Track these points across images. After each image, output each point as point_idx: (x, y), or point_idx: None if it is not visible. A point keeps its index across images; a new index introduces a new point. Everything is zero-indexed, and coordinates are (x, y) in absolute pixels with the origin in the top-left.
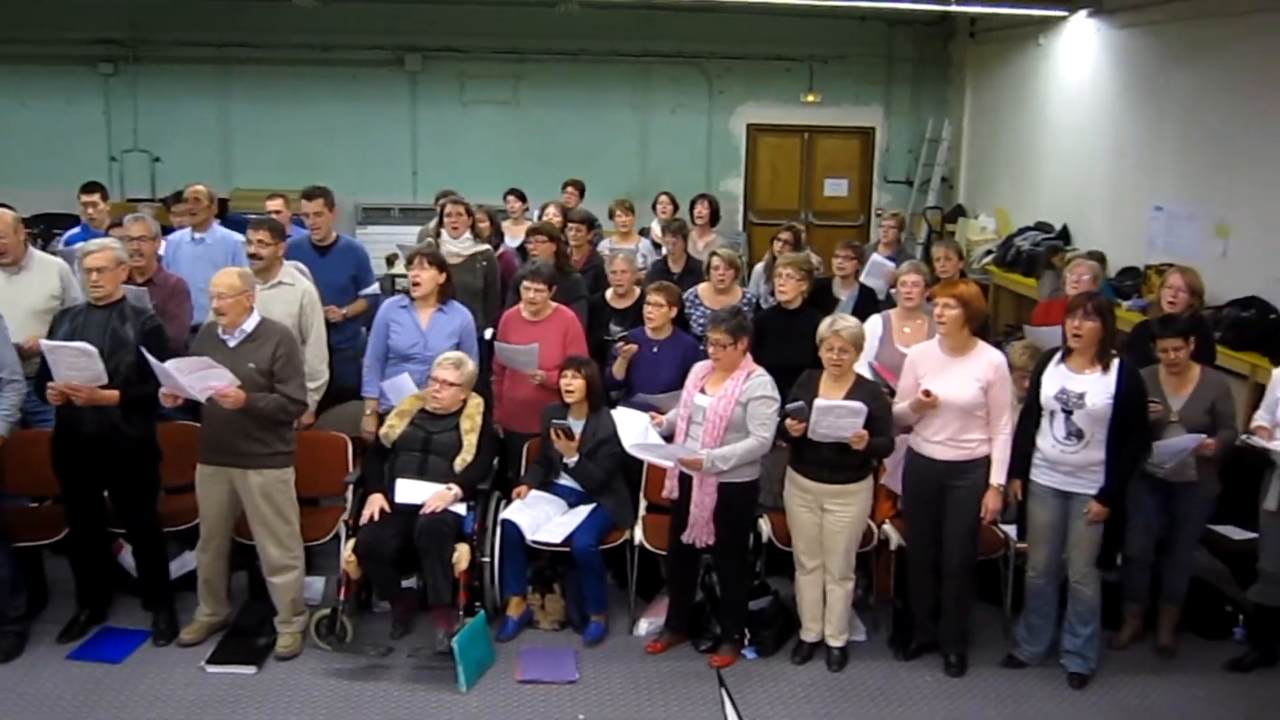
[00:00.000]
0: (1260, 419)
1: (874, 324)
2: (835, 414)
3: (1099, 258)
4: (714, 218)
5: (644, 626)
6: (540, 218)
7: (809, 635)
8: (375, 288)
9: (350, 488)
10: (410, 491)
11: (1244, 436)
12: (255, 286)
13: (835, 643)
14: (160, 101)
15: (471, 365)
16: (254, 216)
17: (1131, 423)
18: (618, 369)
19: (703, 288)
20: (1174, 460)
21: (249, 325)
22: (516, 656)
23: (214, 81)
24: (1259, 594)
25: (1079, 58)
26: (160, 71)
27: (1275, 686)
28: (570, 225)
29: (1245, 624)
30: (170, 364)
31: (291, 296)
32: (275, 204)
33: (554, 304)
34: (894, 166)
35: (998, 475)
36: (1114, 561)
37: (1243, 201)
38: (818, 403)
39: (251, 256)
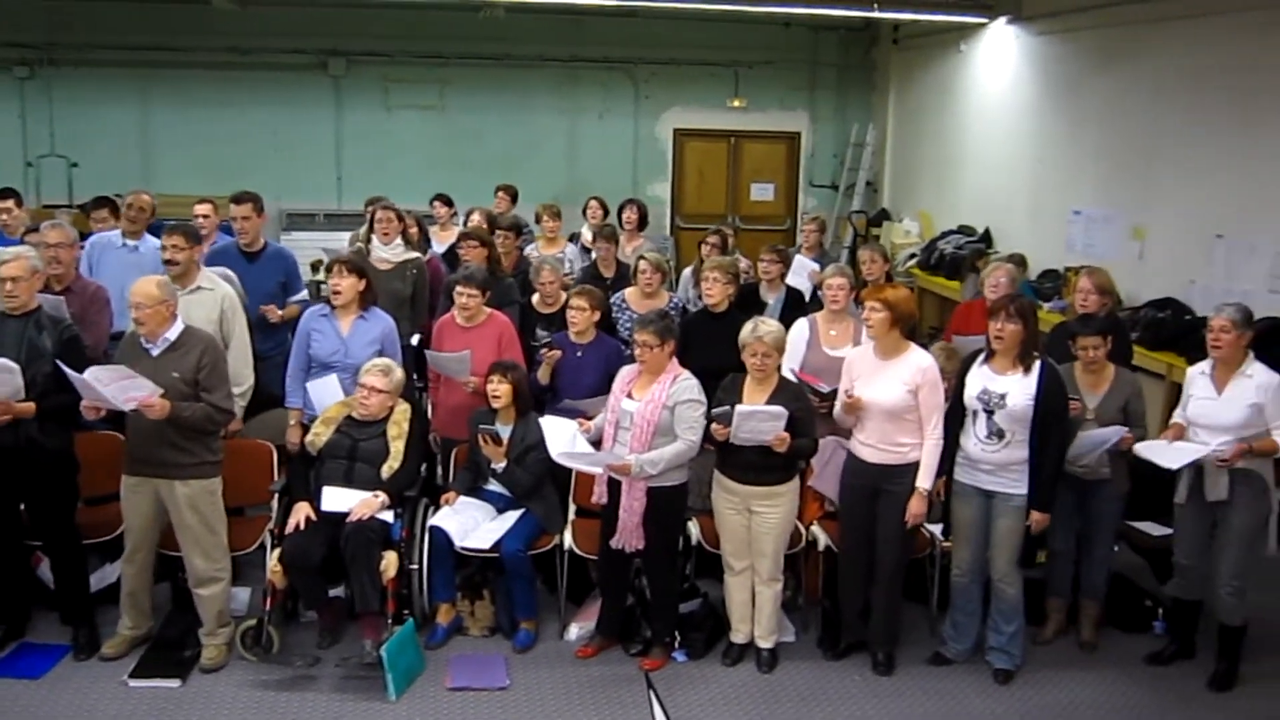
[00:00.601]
0: (1176, 416)
1: (800, 327)
2: (756, 419)
3: (1020, 260)
4: (642, 222)
5: (574, 631)
6: (465, 223)
7: (738, 637)
8: (304, 294)
9: (276, 496)
10: (336, 499)
11: (1137, 447)
12: (176, 294)
13: (765, 644)
14: (77, 106)
15: (400, 373)
16: (172, 223)
17: (1052, 422)
18: (542, 375)
19: (630, 292)
20: (1093, 453)
21: (172, 334)
22: (446, 664)
23: (132, 85)
24: (1176, 588)
25: (999, 64)
26: (77, 75)
27: (1194, 678)
28: (498, 232)
29: (1164, 617)
30: (90, 374)
31: (211, 301)
32: (204, 209)
33: (487, 309)
34: (819, 171)
35: (924, 480)
36: (1035, 559)
37: (1159, 205)
38: (739, 409)
39: (167, 263)
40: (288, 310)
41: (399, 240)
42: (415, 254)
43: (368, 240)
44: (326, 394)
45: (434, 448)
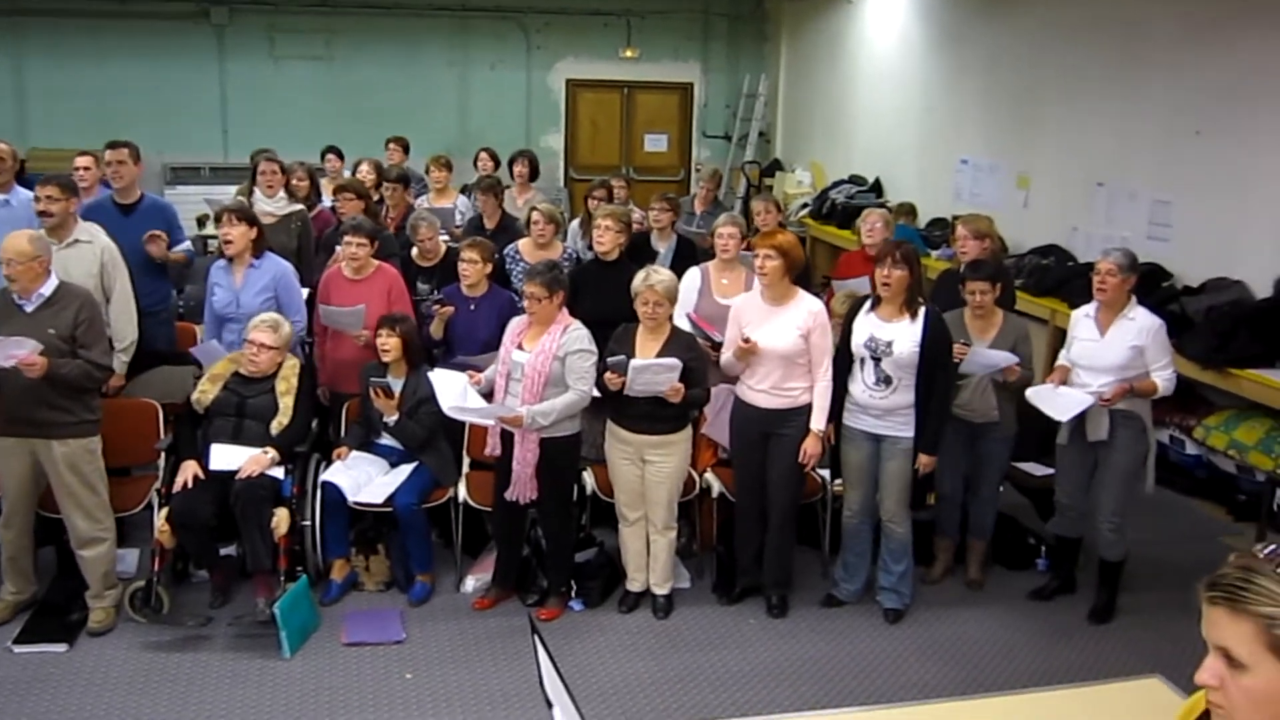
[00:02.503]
0: (1061, 359)
1: (692, 276)
2: (651, 371)
3: (909, 209)
4: (533, 174)
5: (471, 583)
6: (354, 175)
7: (634, 585)
8: (188, 244)
9: (162, 455)
10: (225, 457)
11: (1029, 393)
12: (50, 249)
13: (660, 591)
14: None
15: (289, 327)
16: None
17: (938, 368)
18: (435, 329)
19: (523, 243)
20: (982, 371)
21: (47, 290)
22: (342, 620)
23: (4, 36)
24: (1057, 526)
25: (887, 15)
26: None
27: (1075, 611)
28: (386, 184)
29: (1047, 555)
30: None
31: (90, 255)
32: (84, 160)
33: (375, 261)
34: (712, 122)
35: (817, 421)
36: (924, 502)
37: (1042, 154)
38: (633, 363)
39: (41, 214)
40: (175, 254)
41: (282, 193)
42: (298, 206)
43: (250, 193)
44: (213, 359)
45: (323, 401)
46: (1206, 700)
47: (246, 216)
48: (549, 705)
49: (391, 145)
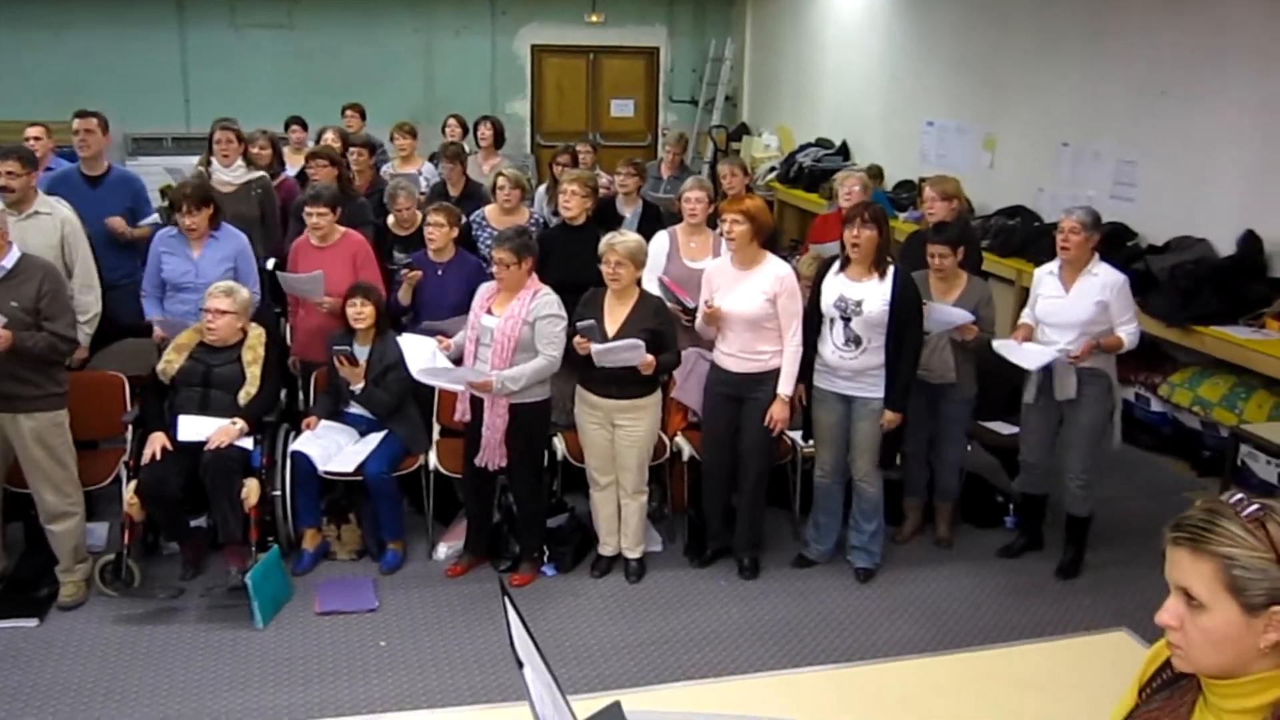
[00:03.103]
0: (1024, 317)
1: (660, 240)
2: (614, 353)
3: (876, 171)
4: (498, 139)
5: (443, 550)
6: (319, 143)
7: (606, 549)
8: (154, 217)
9: (129, 428)
10: (192, 428)
11: (996, 344)
12: (9, 221)
13: (632, 555)
14: None
15: (245, 292)
16: (4, 147)
17: (906, 326)
18: (403, 295)
19: (490, 209)
20: (940, 329)
21: (8, 262)
22: (314, 589)
23: None
24: (1024, 484)
25: None
26: None
27: (1043, 567)
28: (351, 150)
29: (1015, 512)
30: None
31: (51, 226)
32: (35, 131)
33: (341, 228)
34: (679, 86)
35: (785, 386)
36: (895, 461)
37: (1008, 116)
38: (594, 348)
39: (1, 189)
40: (139, 230)
41: (239, 161)
42: (259, 173)
43: (208, 163)
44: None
45: (294, 372)
46: (1166, 642)
47: (202, 198)
48: (520, 665)
49: (349, 112)
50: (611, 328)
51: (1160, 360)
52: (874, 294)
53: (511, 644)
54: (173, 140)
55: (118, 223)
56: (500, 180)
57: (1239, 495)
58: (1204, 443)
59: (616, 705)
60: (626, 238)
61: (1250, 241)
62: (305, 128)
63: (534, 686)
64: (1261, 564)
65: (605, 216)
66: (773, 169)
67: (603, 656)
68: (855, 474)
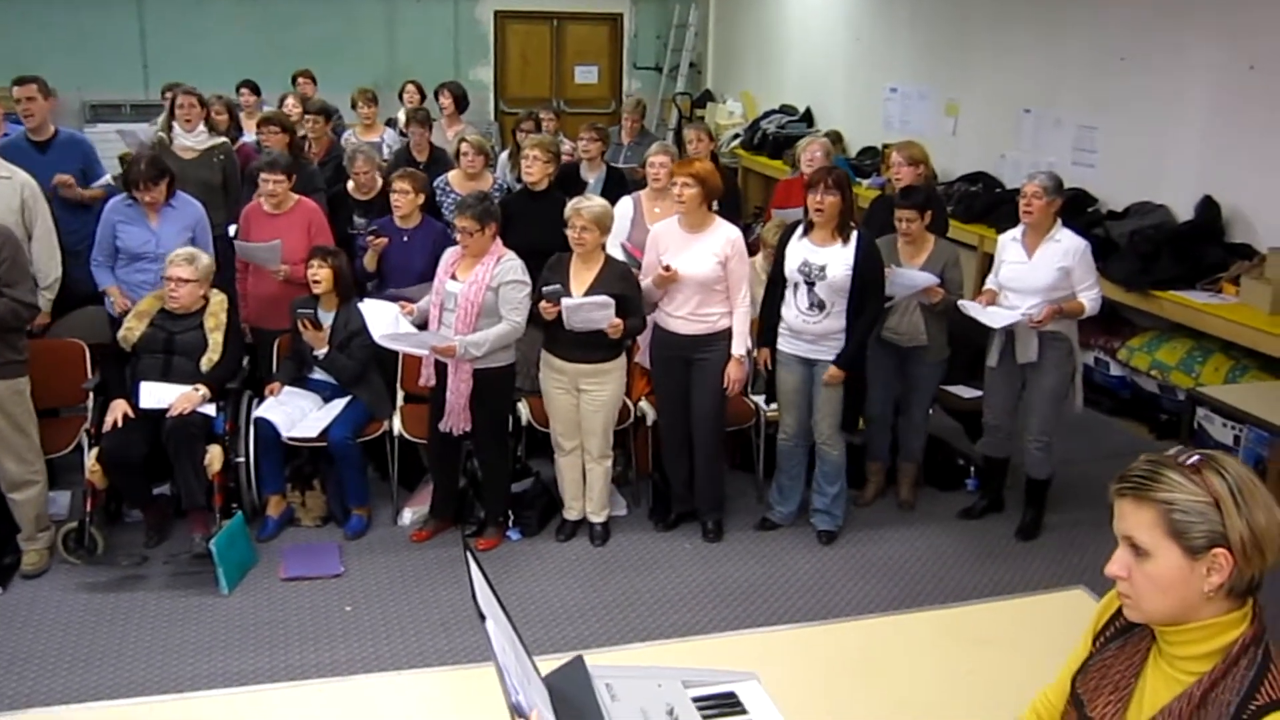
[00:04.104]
0: (989, 283)
1: (625, 205)
2: (585, 310)
3: (835, 137)
4: (459, 106)
5: (408, 516)
6: (280, 109)
7: (571, 513)
8: (107, 179)
9: (90, 395)
10: (155, 395)
11: (961, 303)
12: None
13: (597, 519)
14: None
15: (207, 259)
16: None
17: (868, 290)
18: (368, 261)
19: (453, 175)
20: (904, 293)
21: None
22: (279, 555)
23: None
24: (986, 446)
25: None
26: None
27: (1003, 529)
28: (307, 117)
29: (976, 475)
30: None
31: (9, 191)
32: None
33: (295, 195)
34: (643, 52)
35: (738, 346)
36: (857, 425)
37: (970, 82)
38: (565, 302)
39: None
40: (91, 191)
41: (202, 127)
42: (221, 139)
43: (169, 128)
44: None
45: (246, 339)
46: (1117, 592)
47: (159, 172)
48: (482, 618)
49: (301, 79)
50: (577, 292)
51: (1119, 325)
52: (837, 259)
53: (474, 597)
54: (131, 106)
55: (66, 180)
56: (464, 146)
57: (1180, 448)
58: (1162, 406)
59: (579, 659)
60: (593, 202)
61: (1208, 207)
62: (257, 92)
63: (496, 639)
64: (1200, 507)
65: (569, 182)
66: (737, 136)
67: (568, 619)
68: (817, 438)
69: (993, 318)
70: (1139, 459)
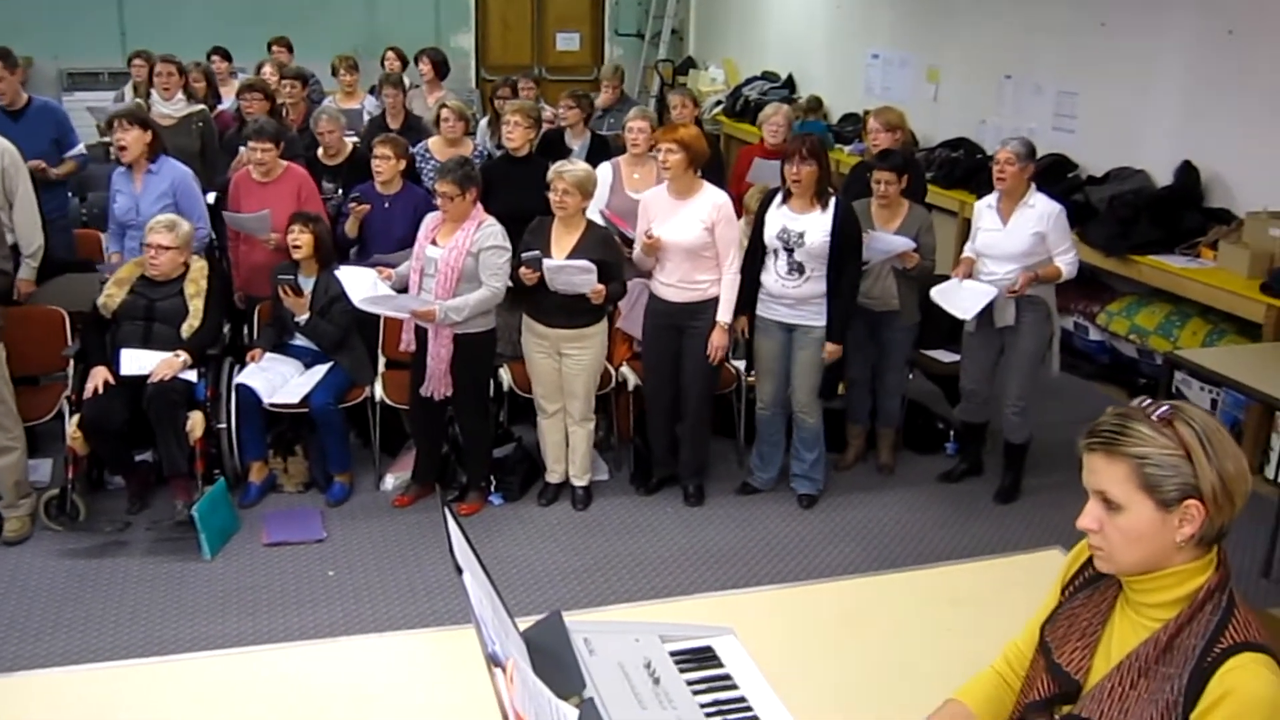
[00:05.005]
0: (966, 250)
1: (604, 171)
2: (567, 273)
3: (815, 103)
4: (439, 72)
5: (390, 482)
6: (257, 76)
7: (553, 477)
8: (80, 148)
9: (71, 362)
10: (135, 361)
11: (933, 292)
12: None
13: (579, 482)
14: None
15: (187, 225)
16: None
17: (847, 256)
18: (350, 228)
19: (433, 141)
20: (880, 257)
21: None
22: (262, 521)
23: None
24: (964, 411)
25: None
26: None
27: (982, 492)
28: (284, 82)
29: (955, 439)
30: None
31: None
32: None
33: (284, 162)
34: (624, 19)
35: (723, 313)
36: (836, 391)
37: (951, 48)
38: (547, 263)
39: None
40: (64, 166)
41: (180, 94)
42: (199, 106)
43: (147, 95)
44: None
45: (239, 306)
46: (1088, 544)
47: (139, 120)
48: (459, 571)
49: (276, 47)
50: (559, 257)
51: (1099, 290)
52: (815, 225)
53: (451, 552)
54: (109, 75)
55: (38, 165)
56: (445, 112)
57: (1148, 400)
58: (1140, 370)
59: (557, 614)
60: (575, 166)
61: (1187, 172)
62: (229, 59)
63: (473, 591)
64: (1172, 460)
65: (552, 149)
66: (719, 103)
67: (549, 581)
68: (795, 405)
69: (963, 304)
70: (1107, 412)
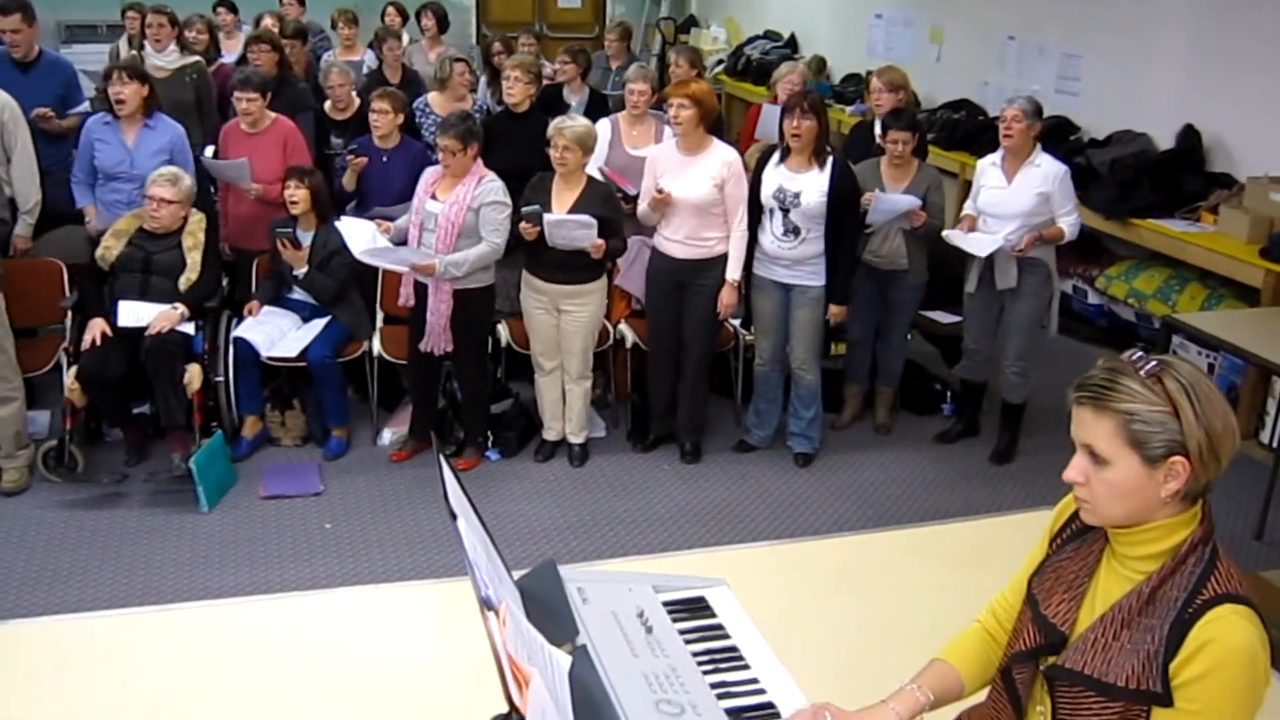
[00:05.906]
0: (967, 208)
1: (603, 127)
2: (567, 227)
3: (818, 64)
4: (441, 26)
5: (387, 436)
6: (258, 28)
7: (550, 434)
8: (85, 105)
9: (69, 314)
10: (133, 313)
11: (945, 233)
12: None
13: (576, 439)
14: None
15: (189, 180)
16: None
17: (845, 215)
18: (347, 181)
19: (433, 96)
20: (887, 218)
21: None
22: (259, 474)
23: None
24: (963, 371)
25: None
26: None
27: (978, 453)
28: (284, 40)
29: (952, 399)
30: None
31: None
32: None
33: (272, 114)
34: None
35: (733, 271)
36: (829, 350)
37: (955, 8)
38: (547, 217)
39: None
40: (68, 120)
41: (173, 46)
42: (194, 58)
43: (140, 48)
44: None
45: (226, 257)
46: (1074, 497)
47: (138, 74)
48: (453, 516)
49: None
50: (559, 212)
51: (1098, 253)
52: (812, 185)
53: (445, 498)
54: (108, 27)
55: (44, 113)
56: (458, 66)
57: (1138, 353)
58: (1138, 334)
59: (550, 561)
60: (576, 122)
61: (1189, 135)
62: (234, 10)
63: (466, 536)
64: (1160, 417)
65: (551, 105)
66: (720, 62)
67: (545, 536)
68: (793, 363)
69: (977, 245)
70: (1097, 365)
